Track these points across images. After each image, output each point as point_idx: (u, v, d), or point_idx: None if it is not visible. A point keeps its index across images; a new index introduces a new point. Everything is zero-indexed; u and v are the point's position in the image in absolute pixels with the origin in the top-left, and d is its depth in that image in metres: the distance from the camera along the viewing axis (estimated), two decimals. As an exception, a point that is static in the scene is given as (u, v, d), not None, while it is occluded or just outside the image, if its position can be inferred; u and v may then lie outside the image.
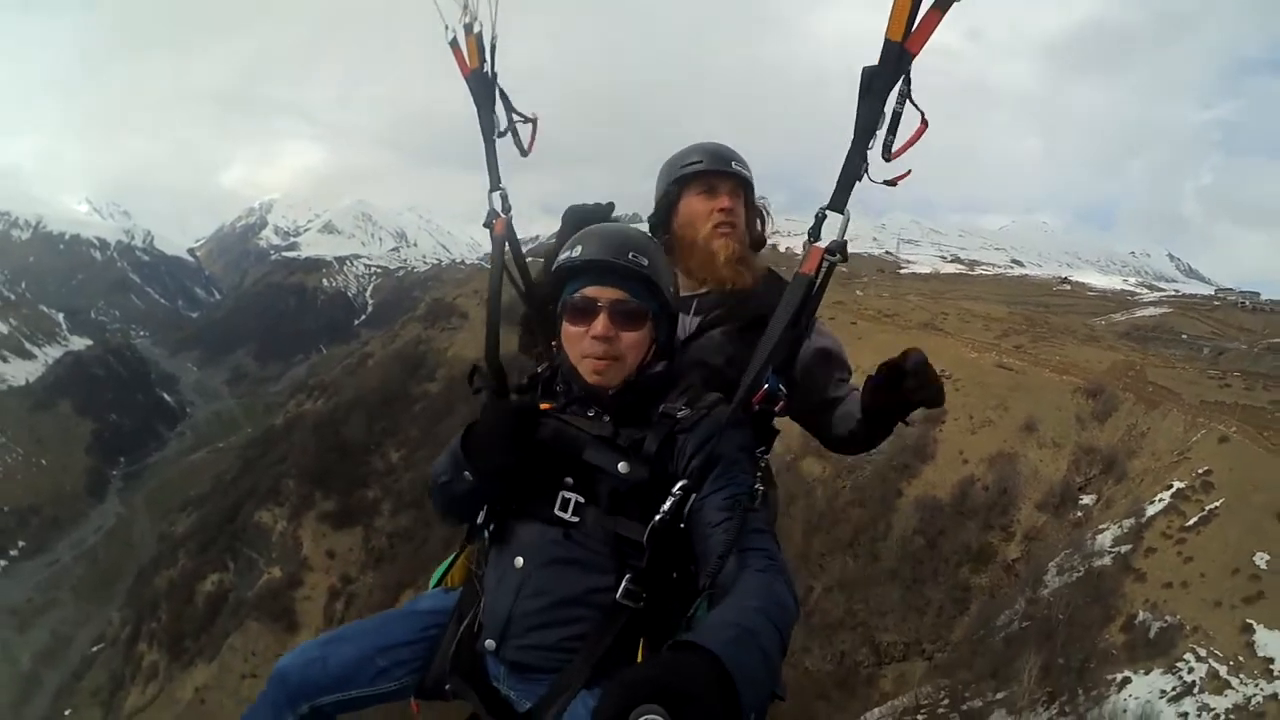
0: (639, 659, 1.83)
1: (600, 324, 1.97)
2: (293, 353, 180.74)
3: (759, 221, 2.56)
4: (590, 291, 2.00)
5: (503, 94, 2.45)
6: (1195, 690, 15.90)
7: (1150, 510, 23.02)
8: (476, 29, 2.39)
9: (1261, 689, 15.34)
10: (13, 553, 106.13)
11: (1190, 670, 16.65)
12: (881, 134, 1.81)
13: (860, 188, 1.85)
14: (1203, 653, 16.97)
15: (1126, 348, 43.51)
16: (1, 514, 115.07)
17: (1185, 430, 27.79)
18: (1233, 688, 15.65)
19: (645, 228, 2.52)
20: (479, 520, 2.17)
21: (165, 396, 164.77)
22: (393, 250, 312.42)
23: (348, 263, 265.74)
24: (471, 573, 2.22)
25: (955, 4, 1.70)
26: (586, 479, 1.97)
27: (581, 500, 1.96)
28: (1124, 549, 21.54)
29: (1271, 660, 16.29)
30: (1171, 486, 23.73)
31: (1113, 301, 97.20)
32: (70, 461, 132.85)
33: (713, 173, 2.45)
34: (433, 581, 2.37)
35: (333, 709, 2.13)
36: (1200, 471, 24.07)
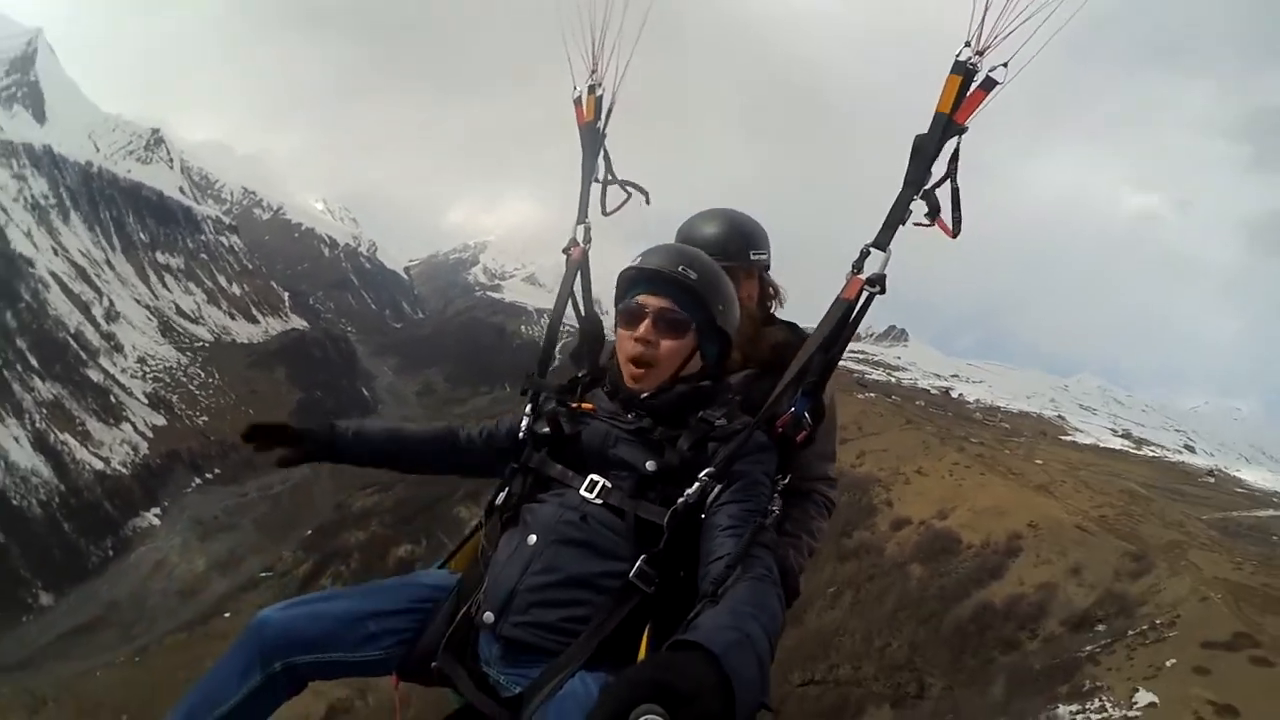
0: (643, 647, 1.79)
1: (644, 327, 2.07)
2: (480, 383, 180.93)
3: (772, 299, 2.69)
4: (642, 298, 2.11)
5: (605, 152, 2.64)
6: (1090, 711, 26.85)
7: (1130, 632, 32.80)
8: (599, 91, 2.62)
9: (1125, 713, 26.17)
10: (208, 476, 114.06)
11: (1094, 704, 27.34)
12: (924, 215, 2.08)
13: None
14: (1106, 698, 27.52)
15: (1202, 535, 50.02)
16: (208, 441, 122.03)
17: (1189, 592, 36.89)
18: (1108, 712, 26.43)
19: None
20: (496, 501, 2.18)
21: (363, 390, 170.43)
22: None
23: (545, 316, 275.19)
24: (480, 553, 2.15)
25: (999, 86, 1.90)
26: (616, 471, 2.00)
27: (609, 485, 1.97)
28: (1096, 651, 31.83)
29: (1139, 704, 26.65)
30: (1154, 624, 33.40)
31: (1253, 500, 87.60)
32: (274, 419, 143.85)
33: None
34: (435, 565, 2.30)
35: (307, 671, 1.95)
36: (1176, 617, 33.70)
